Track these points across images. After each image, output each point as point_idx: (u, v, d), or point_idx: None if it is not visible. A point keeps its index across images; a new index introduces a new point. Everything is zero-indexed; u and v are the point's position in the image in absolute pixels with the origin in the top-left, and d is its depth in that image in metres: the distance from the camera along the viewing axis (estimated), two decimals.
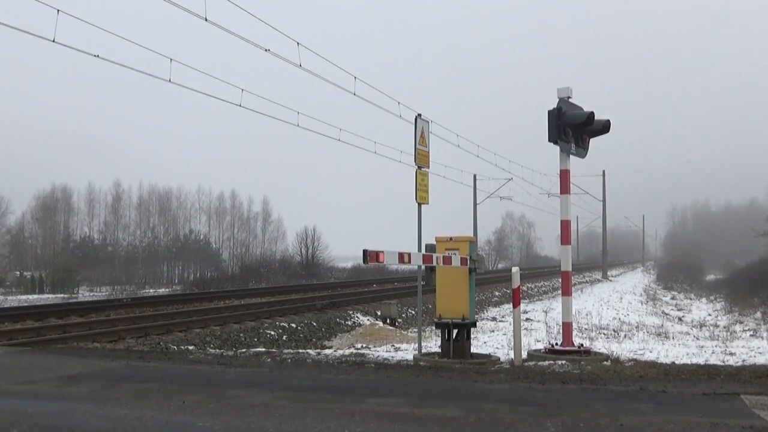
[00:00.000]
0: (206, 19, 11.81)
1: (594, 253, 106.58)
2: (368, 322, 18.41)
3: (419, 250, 10.40)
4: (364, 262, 7.72)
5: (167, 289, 48.89)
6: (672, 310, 27.71)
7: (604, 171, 53.40)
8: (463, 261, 9.38)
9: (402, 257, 8.33)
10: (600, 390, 6.86)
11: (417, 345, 11.15)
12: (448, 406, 5.90)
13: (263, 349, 11.94)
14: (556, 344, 10.36)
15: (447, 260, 9.10)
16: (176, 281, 64.38)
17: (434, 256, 9.00)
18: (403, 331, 17.55)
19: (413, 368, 8.69)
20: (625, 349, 11.13)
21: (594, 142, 11.04)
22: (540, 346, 11.58)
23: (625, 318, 20.43)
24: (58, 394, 6.44)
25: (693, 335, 16.18)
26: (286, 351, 11.45)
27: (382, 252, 7.88)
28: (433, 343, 12.53)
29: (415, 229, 10.76)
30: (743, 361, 9.97)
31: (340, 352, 11.38)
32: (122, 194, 75.84)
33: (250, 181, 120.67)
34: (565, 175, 10.65)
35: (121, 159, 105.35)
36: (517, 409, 5.79)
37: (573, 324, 10.85)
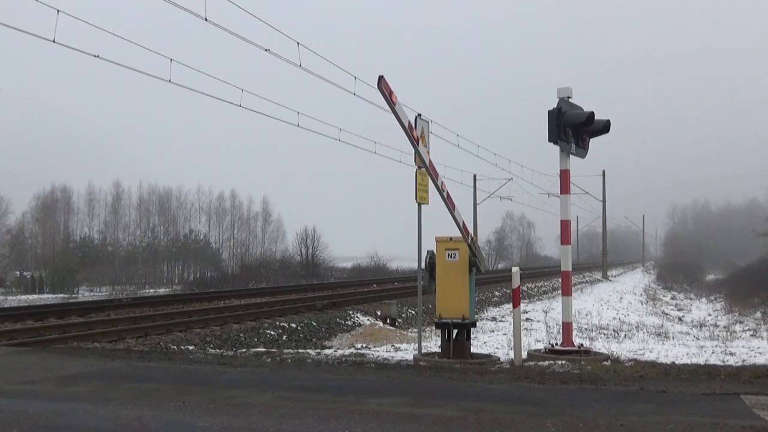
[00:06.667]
0: (206, 19, 11.82)
1: (594, 253, 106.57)
2: (368, 322, 18.40)
3: (419, 250, 10.42)
4: (378, 85, 8.07)
5: (167, 289, 48.88)
6: (672, 310, 27.70)
7: (604, 171, 53.40)
8: (465, 230, 9.37)
9: (411, 131, 8.44)
10: (600, 390, 6.86)
11: (417, 345, 11.15)
12: (448, 406, 5.90)
13: (263, 349, 11.94)
14: (556, 344, 10.36)
15: (450, 199, 9.14)
16: (176, 281, 64.37)
17: (441, 177, 9.10)
18: (403, 331, 17.54)
19: (413, 368, 8.69)
20: (625, 349, 11.12)
21: (594, 142, 11.04)
22: (540, 346, 11.58)
23: (625, 318, 20.43)
24: (58, 394, 6.44)
25: (693, 335, 16.17)
26: (286, 351, 11.45)
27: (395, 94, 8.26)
28: (433, 343, 12.53)
29: (415, 228, 10.77)
30: (743, 361, 9.98)
31: (340, 352, 11.38)
32: (122, 194, 76.02)
33: (250, 181, 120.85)
34: (565, 175, 10.65)
35: (121, 159, 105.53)
36: (517, 409, 5.79)
37: (573, 324, 10.85)
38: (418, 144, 8.91)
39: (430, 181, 9.64)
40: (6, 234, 67.91)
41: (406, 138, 9.01)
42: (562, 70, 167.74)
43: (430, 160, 9.18)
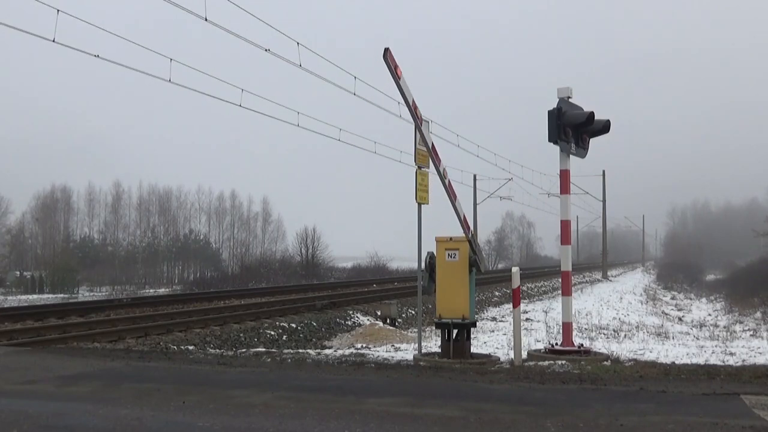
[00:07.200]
0: (206, 19, 11.82)
1: (594, 253, 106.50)
2: (368, 322, 18.40)
3: (419, 250, 10.42)
4: (384, 57, 8.08)
5: (167, 289, 48.89)
6: (672, 310, 27.70)
7: (604, 171, 53.42)
8: (466, 223, 9.34)
9: (415, 108, 8.41)
10: (600, 390, 6.86)
11: (417, 345, 11.15)
12: (448, 406, 5.90)
13: (263, 349, 11.94)
14: (556, 344, 10.36)
15: (451, 188, 9.10)
16: (176, 281, 64.40)
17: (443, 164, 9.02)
18: (403, 331, 17.54)
19: (413, 368, 8.69)
20: (625, 349, 11.13)
21: (594, 142, 11.04)
22: (540, 346, 11.58)
23: (625, 318, 20.43)
24: (58, 394, 6.44)
25: (693, 335, 16.17)
26: (286, 351, 11.45)
27: (400, 68, 8.26)
28: (433, 343, 12.53)
29: (415, 228, 10.77)
30: (743, 361, 9.98)
31: (340, 352, 11.39)
32: (122, 194, 76.06)
33: (250, 181, 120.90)
34: (565, 175, 10.65)
35: (121, 159, 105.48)
36: (517, 409, 5.79)
37: (573, 324, 10.85)
38: (421, 124, 8.85)
39: (431, 163, 9.48)
40: (6, 234, 67.93)
41: (410, 115, 8.88)
42: (562, 70, 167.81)
43: (432, 144, 9.10)
